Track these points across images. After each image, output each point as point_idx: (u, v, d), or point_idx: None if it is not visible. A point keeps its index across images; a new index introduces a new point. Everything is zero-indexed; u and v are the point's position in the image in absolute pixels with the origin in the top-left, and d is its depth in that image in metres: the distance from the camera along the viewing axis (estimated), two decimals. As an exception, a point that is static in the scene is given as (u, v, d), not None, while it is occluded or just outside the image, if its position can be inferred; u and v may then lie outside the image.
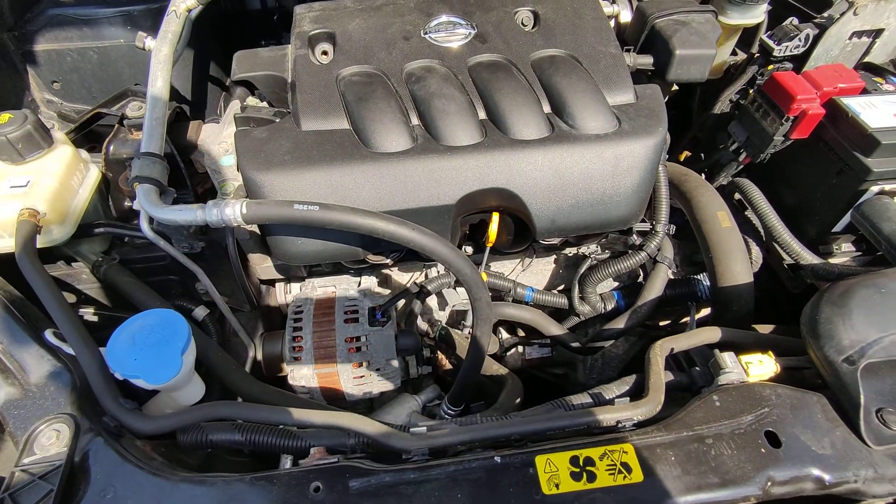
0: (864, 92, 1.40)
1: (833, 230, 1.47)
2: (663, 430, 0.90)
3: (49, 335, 1.01)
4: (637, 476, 0.85)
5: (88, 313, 1.44)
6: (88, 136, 1.50)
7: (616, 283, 1.69)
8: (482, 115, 1.22)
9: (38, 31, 1.48)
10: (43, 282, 1.01)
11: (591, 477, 0.85)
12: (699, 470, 0.86)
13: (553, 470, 0.86)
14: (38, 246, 1.12)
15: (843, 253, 1.54)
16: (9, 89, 1.51)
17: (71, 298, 1.40)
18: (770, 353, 1.04)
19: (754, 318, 1.39)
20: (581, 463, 0.86)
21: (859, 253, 1.54)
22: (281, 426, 0.99)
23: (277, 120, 1.24)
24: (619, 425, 0.94)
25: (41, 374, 0.97)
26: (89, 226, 1.29)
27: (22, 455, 0.86)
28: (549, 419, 0.94)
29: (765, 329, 1.32)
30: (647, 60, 1.40)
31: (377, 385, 1.40)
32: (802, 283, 1.51)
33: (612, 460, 0.87)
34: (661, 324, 1.76)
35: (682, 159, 2.01)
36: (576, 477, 0.85)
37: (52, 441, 0.87)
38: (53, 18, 1.48)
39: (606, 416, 0.94)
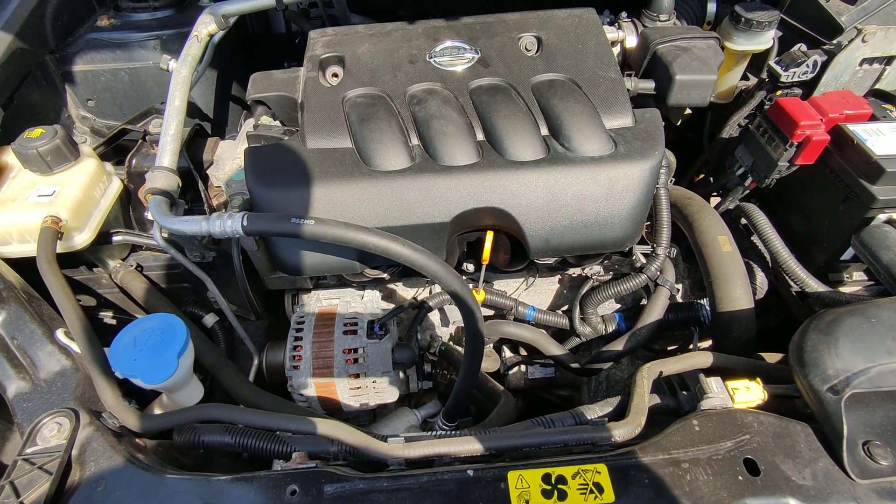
0: (873, 119, 1.38)
1: (842, 258, 1.44)
2: (638, 452, 0.90)
3: (60, 334, 1.08)
4: (609, 497, 0.85)
5: (107, 316, 1.52)
6: (117, 150, 1.61)
7: (619, 306, 1.68)
8: (480, 136, 1.26)
9: (77, 53, 1.61)
10: (57, 284, 1.08)
11: (562, 495, 0.85)
12: (672, 494, 0.85)
13: (524, 486, 0.87)
14: (60, 251, 1.21)
15: (855, 282, 1.50)
16: (48, 106, 1.64)
17: (90, 302, 1.48)
18: (758, 379, 1.03)
19: (769, 346, 1.35)
20: (553, 481, 0.87)
21: (871, 283, 1.49)
22: (269, 431, 1.03)
23: (286, 138, 1.31)
24: (597, 446, 0.95)
25: (50, 371, 1.04)
26: (108, 233, 1.37)
27: (25, 445, 0.92)
28: (525, 436, 0.95)
29: (773, 358, 1.29)
30: (648, 85, 1.42)
31: (374, 397, 1.42)
32: (810, 312, 1.47)
33: (584, 479, 0.87)
34: (669, 349, 1.75)
35: (695, 182, 2.00)
36: (546, 494, 0.86)
37: (53, 433, 0.93)
38: (90, 42, 1.61)
39: (583, 436, 0.94)
